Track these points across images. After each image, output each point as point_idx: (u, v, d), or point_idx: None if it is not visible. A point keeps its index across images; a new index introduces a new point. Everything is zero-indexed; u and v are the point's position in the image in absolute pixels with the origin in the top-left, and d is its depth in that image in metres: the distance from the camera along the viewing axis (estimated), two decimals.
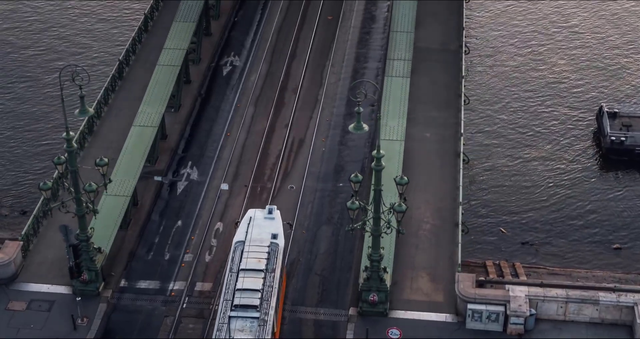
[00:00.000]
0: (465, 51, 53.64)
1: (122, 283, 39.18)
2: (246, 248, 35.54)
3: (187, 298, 38.44)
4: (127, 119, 46.43)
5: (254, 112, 49.63)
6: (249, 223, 36.99)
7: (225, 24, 57.46)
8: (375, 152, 34.04)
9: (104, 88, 49.01)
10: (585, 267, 47.07)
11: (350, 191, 34.86)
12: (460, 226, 41.02)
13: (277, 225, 37.41)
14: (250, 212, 38.06)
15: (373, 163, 34.26)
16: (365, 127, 33.42)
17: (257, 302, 33.65)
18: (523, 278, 44.77)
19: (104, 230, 39.67)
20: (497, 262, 45.59)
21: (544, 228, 50.97)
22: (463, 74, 49.98)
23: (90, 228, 37.60)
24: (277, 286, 34.86)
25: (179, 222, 42.59)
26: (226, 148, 47.05)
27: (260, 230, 36.66)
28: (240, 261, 35.16)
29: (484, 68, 60.02)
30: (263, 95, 50.90)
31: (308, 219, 42.63)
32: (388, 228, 34.96)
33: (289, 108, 49.76)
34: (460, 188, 42.96)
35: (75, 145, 35.69)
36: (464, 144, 45.87)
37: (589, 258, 48.59)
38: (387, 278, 36.84)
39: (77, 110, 35.22)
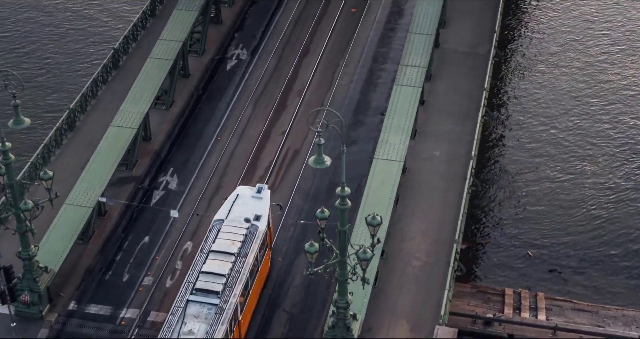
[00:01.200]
0: (499, 55, 48.42)
1: (71, 305, 35.72)
2: (223, 228, 33.91)
3: (136, 329, 34.78)
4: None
5: (252, 114, 45.39)
6: (233, 201, 35.24)
7: (240, 12, 53.09)
8: (339, 189, 29.49)
9: (91, 79, 45.44)
10: (617, 304, 42.27)
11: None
12: (452, 265, 36.23)
13: (263, 205, 35.34)
14: (239, 189, 36.29)
15: (337, 202, 29.73)
16: (328, 161, 28.83)
17: (219, 288, 31.84)
18: (542, 312, 40.57)
19: (58, 243, 36.23)
20: (518, 291, 41.61)
21: (577, 254, 46.73)
22: (486, 84, 44.62)
23: (35, 246, 34.20)
24: (247, 272, 32.87)
25: (146, 238, 38.87)
26: (214, 154, 43.03)
27: (244, 210, 34.85)
28: (214, 242, 33.45)
29: (527, 74, 54.76)
30: (265, 95, 46.60)
31: (287, 243, 38.41)
32: (354, 274, 30.52)
33: (289, 112, 45.38)
34: (461, 219, 38.03)
35: (12, 157, 32.11)
36: (473, 168, 40.83)
37: (622, 295, 43.85)
38: (356, 327, 32.43)
39: (11, 121, 31.58)
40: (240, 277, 32.62)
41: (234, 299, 31.99)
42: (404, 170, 40.66)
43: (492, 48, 47.34)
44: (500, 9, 50.24)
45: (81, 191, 38.30)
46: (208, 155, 42.90)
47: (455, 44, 49.19)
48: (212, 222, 34.86)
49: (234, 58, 49.52)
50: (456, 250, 36.74)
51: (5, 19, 61.36)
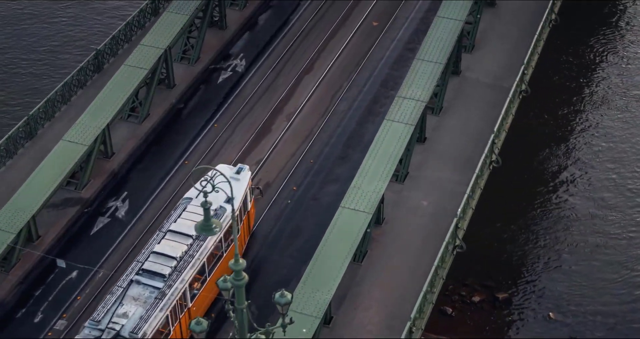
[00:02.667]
0: (525, 91, 42.47)
1: None
2: (189, 207, 32.34)
3: None
4: None
5: (229, 138, 40.81)
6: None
7: (250, 17, 48.50)
8: (232, 261, 24.65)
9: (63, 82, 41.83)
10: None
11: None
12: None
13: (239, 187, 33.23)
14: (218, 167, 33.78)
15: (231, 276, 24.90)
16: (217, 227, 23.99)
17: (167, 271, 30.45)
18: None
19: None
20: None
21: (607, 321, 41.28)
22: (496, 127, 38.81)
23: None
24: (204, 257, 31.35)
25: (74, 273, 34.94)
26: (175, 180, 38.78)
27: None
28: (175, 221, 32.00)
29: (562, 114, 48.84)
30: (250, 117, 41.94)
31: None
32: None
33: (272, 138, 40.66)
34: (423, 296, 32.48)
35: None
36: (458, 227, 35.25)
37: None
38: None
39: None
40: (194, 262, 30.99)
41: (182, 285, 30.37)
42: (381, 220, 35.62)
43: (517, 81, 41.34)
44: (538, 35, 43.98)
45: (8, 214, 34.71)
46: (168, 181, 38.70)
47: (479, 72, 43.55)
48: (181, 200, 33.24)
49: (229, 69, 45.05)
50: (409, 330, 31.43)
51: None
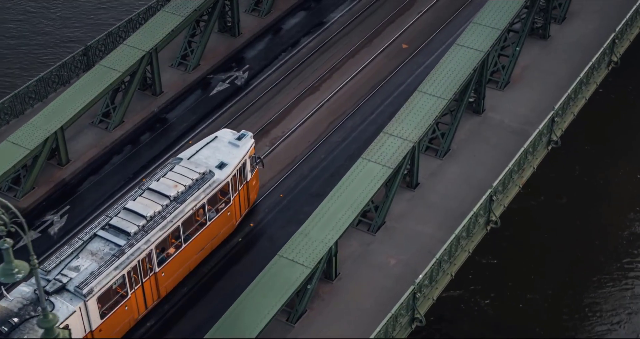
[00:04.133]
0: (555, 142, 36.45)
1: None
2: (176, 168, 31.33)
3: None
4: None
5: None
6: (206, 143, 32.73)
7: (269, 25, 44.17)
8: (42, 318, 20.36)
9: (38, 77, 38.73)
10: None
11: None
12: None
13: (237, 154, 32.28)
14: (221, 132, 33.60)
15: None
16: (20, 273, 19.77)
17: (133, 229, 29.19)
18: None
19: None
20: None
21: None
22: (496, 182, 32.93)
23: None
24: (179, 221, 30.05)
25: None
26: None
27: (211, 153, 32.23)
28: (157, 180, 30.90)
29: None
30: None
31: None
32: None
33: None
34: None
35: None
36: (416, 297, 29.72)
37: None
38: None
39: None
40: (165, 224, 29.69)
41: (146, 246, 29.12)
42: (333, 275, 30.54)
43: (541, 129, 35.32)
44: (584, 77, 37.65)
45: None
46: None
47: (506, 114, 37.76)
48: (171, 159, 32.35)
49: (227, 81, 40.82)
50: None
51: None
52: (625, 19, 40.48)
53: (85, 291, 27.58)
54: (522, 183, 35.49)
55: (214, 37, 42.73)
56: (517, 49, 39.14)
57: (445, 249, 30.61)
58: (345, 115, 38.55)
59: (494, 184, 32.76)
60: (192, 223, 31.01)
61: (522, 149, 34.37)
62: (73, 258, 28.44)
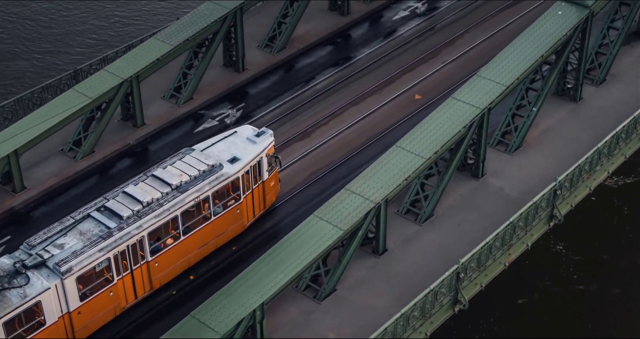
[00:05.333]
0: (556, 217, 32.37)
1: None
2: (185, 158, 30.76)
3: None
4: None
5: None
6: (224, 137, 32.26)
7: (279, 63, 41.51)
8: None
9: (16, 97, 37.13)
10: None
11: None
12: None
13: (252, 150, 31.53)
14: (242, 127, 33.10)
15: None
16: None
17: (127, 213, 28.63)
18: None
19: None
20: None
21: None
22: (465, 259, 28.92)
23: None
24: (178, 210, 29.37)
25: None
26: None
27: (225, 147, 31.59)
28: (164, 168, 30.36)
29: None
30: None
31: None
32: None
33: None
34: None
35: None
36: None
37: None
38: None
39: None
40: (161, 212, 29.03)
41: (138, 231, 28.54)
42: None
43: (538, 200, 31.26)
44: (603, 146, 33.44)
45: None
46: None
47: (508, 181, 33.80)
48: (184, 149, 31.69)
49: (217, 118, 38.24)
50: None
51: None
52: None
53: (63, 268, 26.93)
54: (509, 262, 31.42)
55: (217, 70, 40.50)
56: (534, 109, 35.16)
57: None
58: (330, 166, 35.30)
59: (463, 260, 28.85)
60: (194, 215, 30.26)
61: (507, 223, 30.34)
62: (60, 236, 28.03)
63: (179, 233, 29.96)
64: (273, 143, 32.36)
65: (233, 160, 31.01)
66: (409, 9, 45.43)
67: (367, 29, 44.04)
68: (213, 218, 30.72)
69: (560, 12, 35.40)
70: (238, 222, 31.77)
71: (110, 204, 29.01)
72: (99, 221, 28.59)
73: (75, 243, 27.82)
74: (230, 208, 31.18)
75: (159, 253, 29.59)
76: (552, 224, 32.84)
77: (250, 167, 31.30)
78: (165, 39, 37.40)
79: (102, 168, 35.75)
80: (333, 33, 43.34)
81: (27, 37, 53.68)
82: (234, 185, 30.95)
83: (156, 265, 29.59)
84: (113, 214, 28.75)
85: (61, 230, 28.32)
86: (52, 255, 27.37)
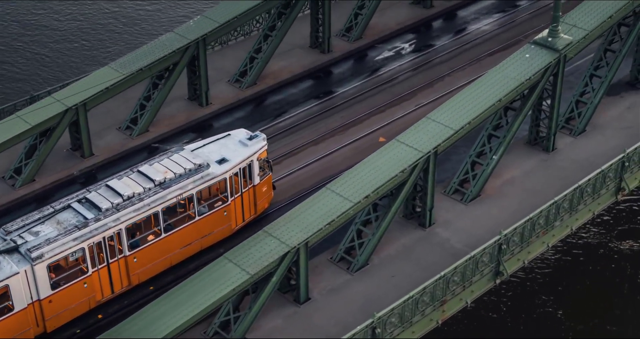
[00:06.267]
0: (501, 274, 30.09)
1: None
2: (173, 156, 31.06)
3: None
4: None
5: None
6: (217, 139, 32.49)
7: (249, 98, 40.30)
8: None
9: None
10: None
11: None
12: None
13: (242, 152, 31.64)
14: (236, 131, 33.21)
15: None
16: None
17: (106, 205, 28.89)
18: None
19: None
20: None
21: None
22: (375, 321, 26.83)
23: None
24: (159, 207, 29.54)
25: None
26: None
27: (216, 149, 31.82)
28: (150, 165, 30.67)
29: None
30: None
31: None
32: None
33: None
34: None
35: None
36: None
37: None
38: None
39: None
40: (140, 206, 29.25)
41: (115, 223, 28.75)
42: None
43: (477, 254, 29.11)
44: (563, 200, 31.18)
45: None
46: None
47: (458, 232, 31.58)
48: (175, 148, 32.18)
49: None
50: None
51: None
52: None
53: (34, 254, 27.21)
54: (442, 319, 29.21)
55: (180, 104, 39.56)
56: (494, 157, 33.07)
57: None
58: (271, 208, 33.62)
59: (380, 314, 26.79)
60: (177, 213, 30.49)
61: (438, 277, 28.21)
62: (38, 224, 28.38)
63: (160, 230, 30.07)
64: (266, 147, 32.43)
65: (221, 161, 31.12)
66: (395, 50, 43.97)
67: (345, 68, 42.69)
68: (198, 218, 30.83)
69: (527, 55, 33.45)
70: (225, 225, 31.76)
71: (91, 196, 29.29)
72: (78, 212, 28.86)
73: (50, 232, 28.11)
74: (217, 209, 31.24)
75: (138, 249, 29.75)
76: (498, 281, 30.62)
77: (240, 169, 31.40)
78: (119, 67, 36.49)
79: (40, 197, 34.72)
80: (309, 71, 42.03)
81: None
82: (220, 186, 31.10)
83: (135, 260, 29.75)
84: (93, 206, 29.00)
85: (39, 219, 28.58)
86: (26, 241, 27.66)
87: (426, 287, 28.00)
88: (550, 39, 33.57)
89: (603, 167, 32.84)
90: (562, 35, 33.66)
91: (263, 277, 27.33)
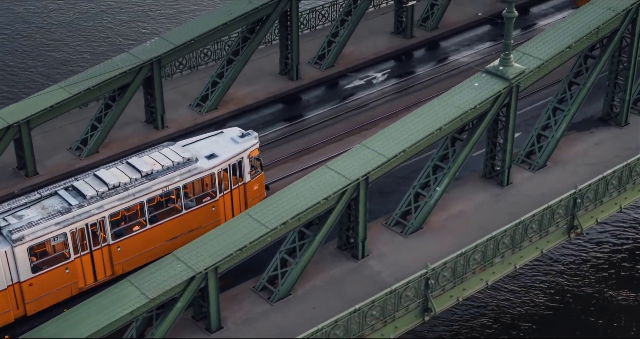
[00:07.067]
0: (431, 313, 28.74)
1: None
2: (163, 150, 31.89)
3: None
4: None
5: None
6: (210, 136, 33.32)
7: (207, 123, 39.60)
8: None
9: None
10: None
11: None
12: None
13: (233, 149, 32.44)
14: (229, 129, 34.06)
15: None
16: None
17: (91, 193, 29.68)
18: None
19: None
20: None
21: None
22: None
23: None
24: (144, 197, 30.30)
25: None
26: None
27: (207, 145, 32.58)
28: (139, 157, 31.48)
29: None
30: None
31: None
32: None
33: None
34: None
35: None
36: None
37: None
38: None
39: None
40: (126, 196, 30.00)
41: (98, 211, 29.55)
42: None
43: (399, 287, 27.81)
44: (503, 235, 29.82)
45: None
46: None
47: (392, 266, 30.43)
48: (166, 143, 33.00)
49: None
50: None
51: None
52: (601, 176, 32.48)
53: (15, 236, 28.03)
54: None
55: (136, 126, 39.17)
56: (437, 189, 31.90)
57: None
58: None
59: None
60: (162, 205, 31.30)
61: (351, 310, 27.02)
62: (23, 208, 29.24)
63: (145, 221, 30.80)
64: (257, 145, 33.17)
65: (210, 156, 31.85)
66: (366, 79, 43.13)
67: (312, 96, 41.93)
68: (184, 211, 31.51)
69: (476, 84, 32.34)
70: (213, 220, 32.10)
71: (78, 184, 30.13)
72: (63, 199, 29.66)
73: (34, 216, 28.90)
74: (204, 204, 31.92)
75: (122, 238, 30.45)
76: (427, 318, 29.29)
77: (229, 165, 32.12)
78: (67, 86, 36.17)
79: None
80: (274, 97, 41.37)
81: None
82: (208, 181, 31.83)
83: (118, 249, 30.45)
84: (78, 193, 29.83)
85: (25, 203, 29.46)
86: (9, 224, 28.46)
87: (338, 320, 26.85)
88: (501, 68, 32.45)
89: (550, 203, 31.52)
90: (515, 64, 32.56)
91: (166, 302, 26.45)
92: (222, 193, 32.20)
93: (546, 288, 38.64)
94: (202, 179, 31.64)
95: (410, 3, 43.66)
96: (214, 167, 31.57)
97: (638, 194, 34.73)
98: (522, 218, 30.71)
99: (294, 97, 41.85)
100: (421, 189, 32.29)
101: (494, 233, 30.04)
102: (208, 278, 26.99)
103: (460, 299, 30.14)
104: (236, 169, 32.47)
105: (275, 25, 42.26)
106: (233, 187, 32.59)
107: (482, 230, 31.59)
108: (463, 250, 29.34)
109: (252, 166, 33.00)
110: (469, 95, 31.94)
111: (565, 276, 39.28)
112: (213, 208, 32.07)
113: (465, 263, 29.59)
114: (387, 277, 29.93)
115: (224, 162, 31.88)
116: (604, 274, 39.41)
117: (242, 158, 32.44)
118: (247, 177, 32.89)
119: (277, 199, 28.95)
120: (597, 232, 41.62)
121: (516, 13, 31.87)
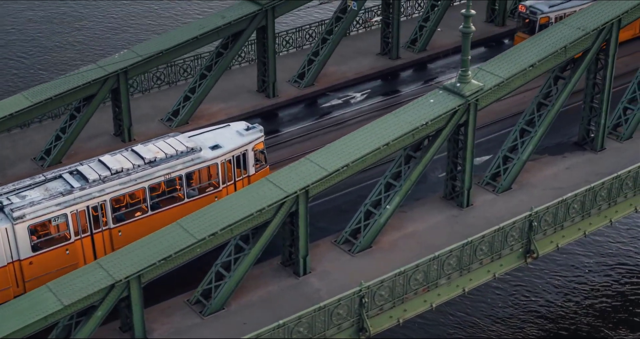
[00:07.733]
0: (366, 334, 27.96)
1: None
2: (168, 139, 32.84)
3: None
4: None
5: None
6: (216, 128, 34.32)
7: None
8: None
9: None
10: None
11: None
12: None
13: (237, 141, 33.29)
14: (236, 123, 34.95)
15: None
16: None
17: (93, 176, 30.62)
18: None
19: None
20: None
21: None
22: None
23: None
24: (146, 183, 31.16)
25: None
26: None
27: (212, 137, 33.49)
28: (144, 145, 32.51)
29: None
30: None
31: None
32: None
33: None
34: None
35: None
36: None
37: None
38: None
39: None
40: (128, 181, 30.87)
41: (99, 194, 30.41)
42: None
43: (335, 308, 27.01)
44: (449, 255, 28.93)
45: None
46: None
47: (333, 284, 29.73)
48: (172, 133, 33.86)
49: None
50: None
51: None
52: (560, 200, 31.49)
53: (16, 214, 28.92)
54: None
55: (107, 138, 39.16)
56: (388, 207, 31.20)
57: None
58: None
59: None
60: (165, 193, 32.06)
61: (275, 324, 26.30)
62: (27, 189, 30.13)
63: (147, 207, 31.52)
64: (262, 138, 33.81)
65: (215, 147, 32.64)
66: (344, 98, 42.67)
67: (287, 113, 41.59)
68: (187, 199, 32.23)
69: (432, 100, 31.68)
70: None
71: (82, 168, 31.06)
72: (67, 182, 30.55)
73: (35, 197, 29.77)
74: (207, 194, 32.63)
75: (123, 223, 31.17)
76: (362, 338, 28.47)
77: (233, 156, 32.87)
78: (30, 95, 36.25)
79: None
80: (248, 114, 41.00)
81: None
82: (211, 171, 32.57)
83: (119, 233, 31.07)
84: (82, 177, 30.73)
85: (29, 185, 30.41)
86: (11, 203, 29.40)
87: (260, 334, 26.16)
88: (458, 84, 31.77)
89: (502, 225, 30.60)
90: (473, 81, 31.85)
91: (84, 310, 26.03)
92: (225, 184, 32.90)
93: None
94: (206, 169, 32.45)
95: (374, 20, 43.56)
96: (217, 157, 32.34)
97: (604, 220, 33.62)
98: (470, 239, 29.83)
99: (269, 114, 41.53)
100: (372, 207, 31.63)
101: (437, 253, 29.18)
102: (130, 287, 26.54)
103: (401, 320, 29.27)
104: (240, 161, 33.17)
105: (254, 42, 42.11)
106: (237, 179, 33.23)
107: (431, 250, 30.74)
108: (402, 269, 28.53)
109: (256, 159, 33.78)
110: (422, 111, 31.28)
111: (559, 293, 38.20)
112: (216, 198, 32.34)
113: (405, 283, 28.75)
114: (325, 295, 29.17)
115: (228, 152, 32.63)
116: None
117: (246, 150, 33.21)
118: (252, 170, 33.58)
119: (211, 210, 28.48)
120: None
121: (473, 28, 31.27)
